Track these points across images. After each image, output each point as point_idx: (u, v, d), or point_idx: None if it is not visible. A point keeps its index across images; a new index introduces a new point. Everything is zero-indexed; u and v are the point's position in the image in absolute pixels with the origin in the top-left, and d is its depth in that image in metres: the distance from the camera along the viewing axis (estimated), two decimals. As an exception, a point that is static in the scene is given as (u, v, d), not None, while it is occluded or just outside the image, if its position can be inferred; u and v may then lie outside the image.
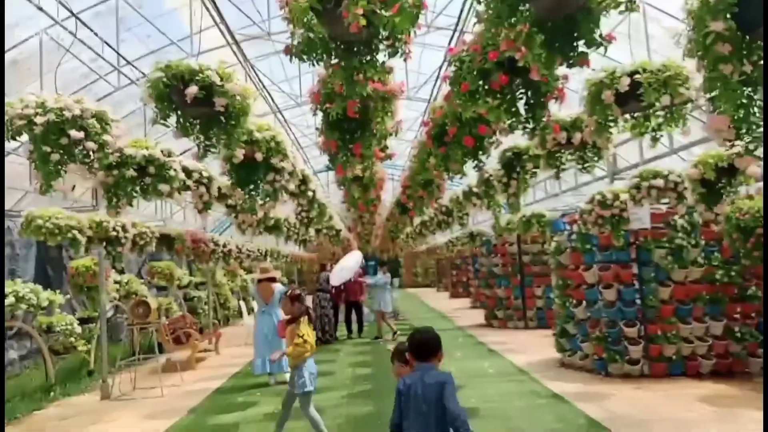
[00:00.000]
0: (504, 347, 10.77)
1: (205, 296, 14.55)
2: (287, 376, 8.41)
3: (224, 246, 12.31)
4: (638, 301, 7.79)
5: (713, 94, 2.53)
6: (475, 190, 7.75)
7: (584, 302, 8.24)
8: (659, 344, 7.58)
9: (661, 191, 6.27)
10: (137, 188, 4.15)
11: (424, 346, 3.15)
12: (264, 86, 8.50)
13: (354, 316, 12.92)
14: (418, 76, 12.30)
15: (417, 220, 12.37)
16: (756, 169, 5.24)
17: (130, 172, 3.95)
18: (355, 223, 14.63)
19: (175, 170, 4.28)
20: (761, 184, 5.25)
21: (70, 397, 8.34)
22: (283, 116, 10.04)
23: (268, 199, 4.87)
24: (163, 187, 4.19)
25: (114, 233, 6.91)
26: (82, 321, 10.07)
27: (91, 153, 3.47)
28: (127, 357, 9.58)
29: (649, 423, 5.55)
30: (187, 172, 5.08)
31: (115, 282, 10.53)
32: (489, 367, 8.81)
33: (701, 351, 7.58)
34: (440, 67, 7.56)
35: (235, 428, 6.15)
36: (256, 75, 8.00)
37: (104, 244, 7.09)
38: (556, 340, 8.98)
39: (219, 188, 5.81)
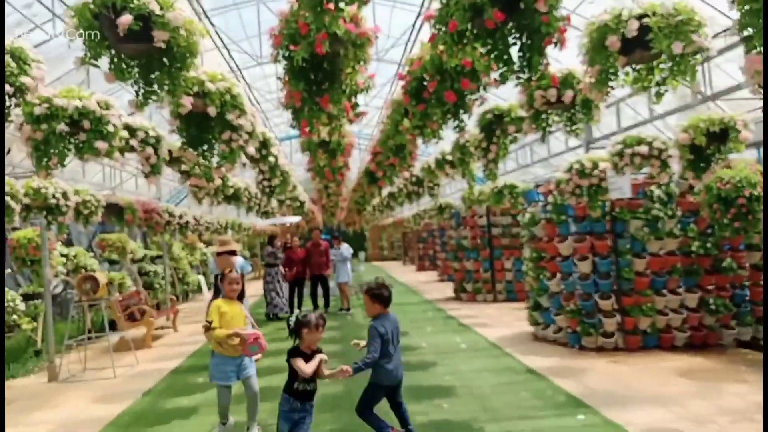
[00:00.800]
0: (474, 321, 10.55)
1: (161, 271, 13.86)
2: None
3: (180, 217, 11.62)
4: (613, 273, 7.61)
5: (748, 32, 2.16)
6: (448, 157, 7.34)
7: (558, 275, 8.01)
8: (634, 317, 7.43)
9: (645, 158, 5.99)
10: (70, 145, 3.57)
11: (390, 297, 4.34)
12: (224, 44, 7.82)
13: (320, 290, 12.52)
14: (387, 39, 11.70)
15: (385, 191, 11.95)
16: (747, 134, 4.99)
17: (61, 127, 3.37)
18: (319, 195, 14.09)
19: (114, 125, 3.70)
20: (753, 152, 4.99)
21: (15, 378, 7.71)
22: (243, 78, 9.35)
23: (224, 161, 4.34)
24: (100, 145, 3.62)
25: (54, 201, 6.23)
26: (27, 297, 9.34)
27: (6, 97, 2.87)
28: (77, 335, 8.96)
29: (629, 398, 5.34)
30: (131, 130, 4.49)
31: (62, 255, 9.80)
32: (461, 342, 8.56)
33: (676, 323, 7.48)
34: (413, 25, 7.04)
35: (193, 412, 5.69)
36: (215, 30, 7.32)
37: (44, 213, 6.41)
38: (529, 314, 8.78)
39: (170, 151, 5.21)
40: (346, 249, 13.31)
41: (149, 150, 4.64)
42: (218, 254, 8.14)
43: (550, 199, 7.85)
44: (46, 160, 3.48)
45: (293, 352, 3.81)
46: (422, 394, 5.81)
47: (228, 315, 4.52)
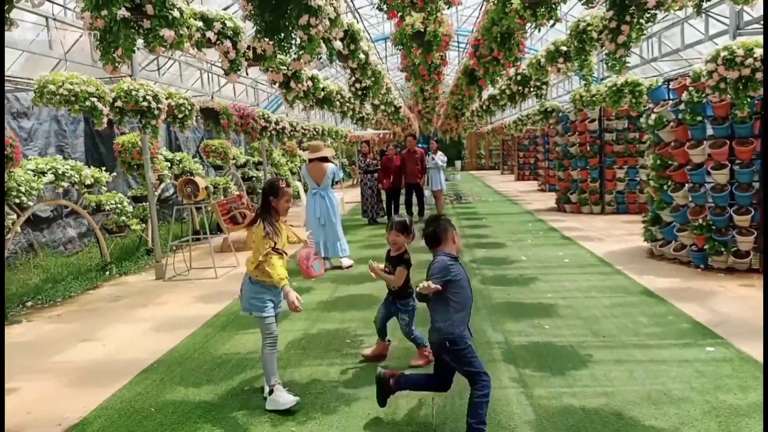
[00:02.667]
0: (580, 234, 9.78)
1: (263, 176, 14.13)
2: (344, 261, 7.89)
3: (277, 123, 11.50)
4: (755, 185, 6.48)
5: None
6: (563, 48, 6.35)
7: (687, 185, 6.99)
8: (777, 235, 6.36)
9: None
10: (136, 35, 3.24)
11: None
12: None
13: (414, 199, 12.19)
14: None
15: (486, 94, 10.99)
16: None
17: (122, 12, 3.02)
18: (415, 99, 13.34)
19: (180, 11, 3.30)
20: None
21: (127, 276, 8.21)
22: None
23: (302, 51, 3.84)
24: (167, 33, 3.25)
25: (145, 103, 6.15)
26: (135, 199, 9.82)
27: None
28: (183, 237, 9.36)
29: (770, 330, 4.55)
30: (206, 20, 4.08)
31: (167, 160, 10.08)
32: (564, 257, 7.91)
33: (829, 244, 6.33)
34: None
35: (284, 316, 5.65)
36: None
37: (138, 116, 6.38)
38: (646, 228, 7.88)
39: (253, 48, 4.79)
40: (440, 157, 12.79)
41: (227, 43, 4.25)
42: (310, 161, 7.95)
43: (684, 96, 6.68)
44: (112, 50, 3.19)
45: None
46: (521, 312, 5.36)
47: (281, 240, 3.73)
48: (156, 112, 6.30)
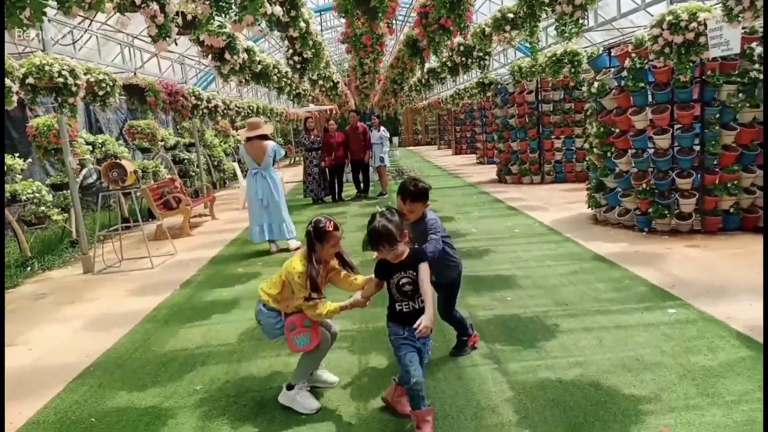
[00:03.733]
0: (524, 204, 9.85)
1: (195, 158, 13.39)
2: (291, 243, 7.52)
3: (208, 101, 10.84)
4: (696, 148, 6.64)
5: None
6: (510, 15, 6.19)
7: (630, 152, 7.09)
8: (716, 196, 6.57)
9: None
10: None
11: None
12: None
13: (361, 176, 11.93)
14: None
15: (426, 68, 10.78)
16: None
17: (29, -38, 2.54)
18: (353, 74, 12.96)
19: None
20: None
21: (51, 271, 7.51)
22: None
23: (244, 12, 3.44)
24: (83, -14, 2.80)
25: (61, 80, 5.50)
26: (55, 187, 9.00)
27: None
28: (111, 226, 8.68)
29: (723, 289, 4.65)
30: (130, -23, 3.60)
31: (88, 143, 9.28)
32: (513, 227, 7.91)
33: (761, 202, 6.60)
34: None
35: (233, 305, 5.30)
36: None
37: (53, 94, 5.72)
38: (590, 195, 7.99)
39: (183, 14, 4.30)
40: (384, 132, 12.56)
41: (154, 6, 3.76)
42: (248, 139, 7.47)
43: (627, 63, 6.72)
44: (18, 10, 2.70)
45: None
46: (481, 285, 5.24)
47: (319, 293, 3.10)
48: (73, 89, 5.65)
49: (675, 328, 3.94)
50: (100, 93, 6.48)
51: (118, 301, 5.83)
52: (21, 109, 10.18)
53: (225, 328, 4.66)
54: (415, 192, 3.29)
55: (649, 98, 6.87)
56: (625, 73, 6.82)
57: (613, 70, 7.18)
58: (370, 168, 12.63)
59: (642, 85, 6.72)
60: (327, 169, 11.75)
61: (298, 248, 7.44)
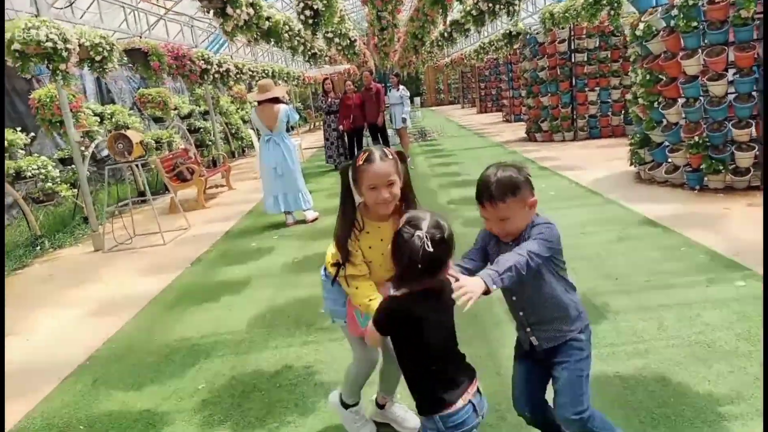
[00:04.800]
0: (558, 163, 9.18)
1: (211, 126, 12.93)
2: (308, 214, 7.05)
3: (219, 65, 10.29)
4: (755, 95, 5.88)
5: None
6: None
7: (680, 101, 6.35)
8: (779, 148, 5.83)
9: None
10: None
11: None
12: None
13: (380, 140, 11.33)
14: None
15: (451, 17, 9.98)
16: None
17: None
18: (371, 30, 12.21)
19: None
20: None
21: (61, 249, 7.23)
22: None
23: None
24: None
25: (49, 44, 5.02)
26: (65, 162, 8.67)
27: None
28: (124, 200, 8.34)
29: (798, 256, 4.02)
30: None
31: (95, 114, 8.87)
32: (548, 189, 7.28)
33: (832, 153, 5.85)
34: None
35: (245, 285, 4.89)
36: None
37: (44, 61, 5.26)
38: (632, 151, 7.29)
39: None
40: (403, 91, 11.86)
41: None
42: (259, 103, 6.95)
43: (677, 0, 5.92)
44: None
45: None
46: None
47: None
48: (64, 54, 5.17)
49: (747, 305, 3.36)
50: (97, 58, 6.00)
51: (126, 281, 5.48)
52: (27, 81, 9.82)
53: (234, 312, 4.24)
54: (504, 183, 1.81)
55: (702, 40, 6.08)
56: (675, 12, 6.02)
57: (660, 8, 6.38)
58: (390, 130, 12.01)
59: (695, 24, 5.93)
60: (346, 133, 11.18)
61: (315, 219, 6.98)
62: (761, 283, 3.65)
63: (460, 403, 1.79)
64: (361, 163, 2.00)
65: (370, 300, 2.06)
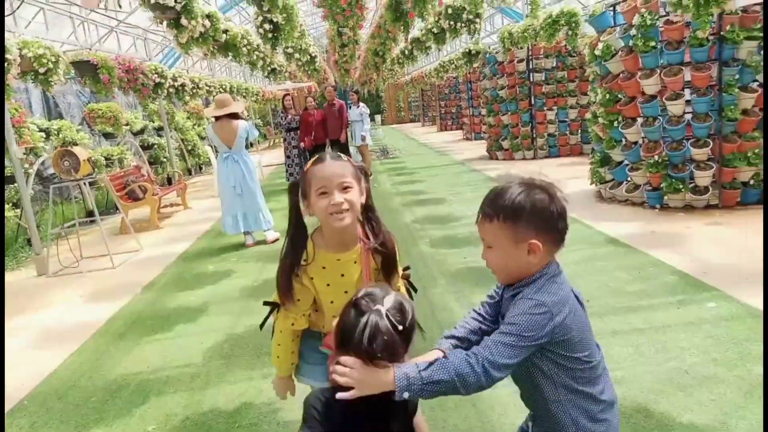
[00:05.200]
0: (520, 181, 9.17)
1: (165, 143, 12.49)
2: (268, 234, 6.78)
3: (174, 79, 9.95)
4: (712, 114, 6.00)
5: None
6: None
7: (639, 120, 6.44)
8: (735, 167, 5.96)
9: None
10: None
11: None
12: None
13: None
14: None
15: (412, 34, 9.97)
16: None
17: None
18: (332, 45, 12.10)
19: None
20: None
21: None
22: None
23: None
24: None
25: (-14, 54, 4.68)
26: (7, 180, 8.13)
27: None
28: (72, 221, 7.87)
29: (761, 275, 4.04)
30: None
31: (40, 130, 8.41)
32: (512, 207, 7.23)
33: (785, 173, 6.01)
34: None
35: (201, 312, 4.60)
36: None
37: (-20, 72, 4.88)
38: (593, 170, 7.35)
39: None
40: (363, 107, 11.77)
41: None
42: (216, 118, 6.68)
43: (636, 20, 6.01)
44: None
45: None
46: (485, 278, 4.57)
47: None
48: (6, 65, 4.82)
49: (720, 328, 3.32)
50: (41, 70, 5.64)
51: (71, 308, 5.10)
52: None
53: (189, 342, 3.96)
54: (507, 199, 1.36)
55: (660, 60, 6.20)
56: (633, 32, 6.12)
57: (618, 29, 6.48)
58: (352, 148, 11.88)
59: (653, 44, 6.03)
60: (307, 151, 10.97)
61: (276, 240, 6.72)
62: (730, 303, 3.63)
63: None
64: (308, 167, 1.65)
65: (279, 366, 1.84)
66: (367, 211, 1.71)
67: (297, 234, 1.69)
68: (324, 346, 1.76)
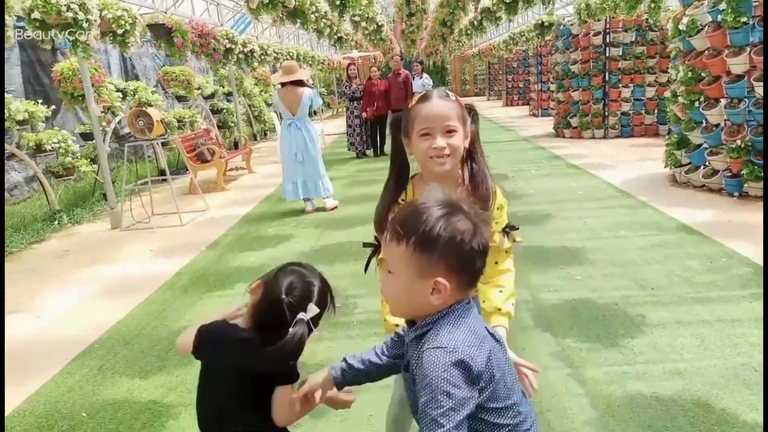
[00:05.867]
0: (587, 161, 8.87)
1: (234, 108, 12.80)
2: (327, 202, 6.88)
3: (244, 45, 10.12)
4: (807, 98, 5.52)
5: None
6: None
7: (723, 101, 6.03)
8: (828, 156, 5.49)
9: None
10: None
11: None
12: None
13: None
14: None
15: (482, 4, 9.66)
16: None
17: None
18: (399, 14, 11.94)
19: None
20: None
21: (79, 225, 7.17)
22: None
23: None
24: None
25: (69, 14, 4.89)
26: (86, 137, 8.62)
27: None
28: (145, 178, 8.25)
29: None
30: None
31: (118, 90, 8.78)
32: (577, 188, 7.02)
33: None
34: None
35: (260, 272, 4.68)
36: None
37: (64, 32, 5.13)
38: (669, 152, 6.97)
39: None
40: (426, 79, 11.60)
41: None
42: (282, 85, 6.76)
43: (727, -8, 5.58)
44: None
45: None
46: (544, 259, 4.48)
47: None
48: (85, 25, 5.04)
49: (796, 326, 3.11)
50: (119, 32, 5.86)
51: (141, 262, 5.38)
52: (53, 54, 9.77)
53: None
54: (416, 222, 1.07)
55: (750, 38, 5.74)
56: (723, 6, 5.68)
57: (706, 2, 6.04)
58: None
59: (744, 20, 5.59)
60: (369, 121, 10.97)
61: (334, 207, 6.81)
62: (811, 301, 3.39)
63: None
64: (413, 104, 1.54)
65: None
66: (470, 155, 1.58)
67: (400, 173, 1.60)
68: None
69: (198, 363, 1.48)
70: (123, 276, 4.97)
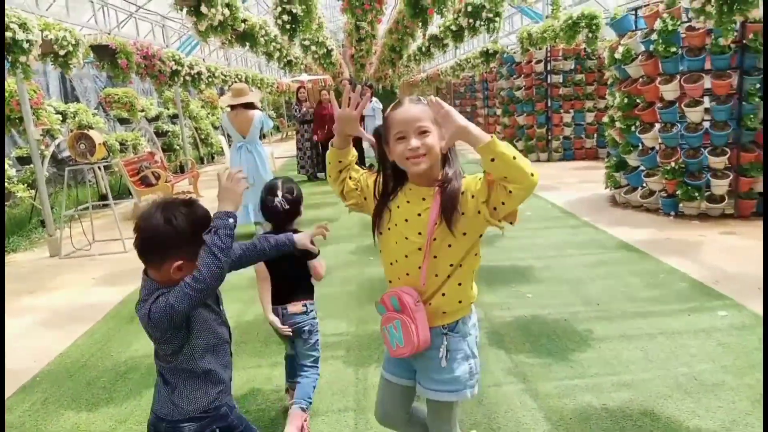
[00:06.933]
0: (533, 183, 9.13)
1: (180, 131, 12.55)
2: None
3: (191, 67, 9.99)
4: (732, 123, 5.94)
5: None
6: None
7: (657, 125, 6.40)
8: (752, 177, 5.91)
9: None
10: None
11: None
12: None
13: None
14: None
15: (430, 31, 9.94)
16: None
17: None
18: (349, 39, 12.11)
19: None
20: None
21: (15, 253, 6.81)
22: None
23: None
24: None
25: (9, 33, 4.71)
26: (23, 161, 8.24)
27: None
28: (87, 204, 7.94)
29: (776, 285, 4.01)
30: None
31: (58, 112, 8.48)
32: (524, 209, 7.19)
33: (803, 185, 5.95)
34: None
35: (211, 298, 4.61)
36: None
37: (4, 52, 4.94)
38: (608, 174, 7.31)
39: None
40: (376, 103, 11.77)
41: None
42: (232, 107, 6.70)
43: (657, 25, 5.97)
44: None
45: None
46: (495, 278, 4.59)
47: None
48: (25, 45, 4.87)
49: (731, 336, 3.30)
50: (61, 53, 5.69)
51: (83, 290, 5.15)
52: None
53: (199, 327, 3.99)
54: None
55: (680, 66, 6.14)
56: (654, 37, 6.07)
57: (639, 33, 6.44)
58: (365, 143, 11.89)
59: (673, 50, 5.98)
60: (320, 144, 10.99)
61: (287, 230, 6.74)
62: (742, 313, 3.61)
63: None
64: (389, 112, 1.65)
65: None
66: (444, 158, 1.65)
67: (385, 179, 1.74)
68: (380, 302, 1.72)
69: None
70: (64, 305, 4.75)
